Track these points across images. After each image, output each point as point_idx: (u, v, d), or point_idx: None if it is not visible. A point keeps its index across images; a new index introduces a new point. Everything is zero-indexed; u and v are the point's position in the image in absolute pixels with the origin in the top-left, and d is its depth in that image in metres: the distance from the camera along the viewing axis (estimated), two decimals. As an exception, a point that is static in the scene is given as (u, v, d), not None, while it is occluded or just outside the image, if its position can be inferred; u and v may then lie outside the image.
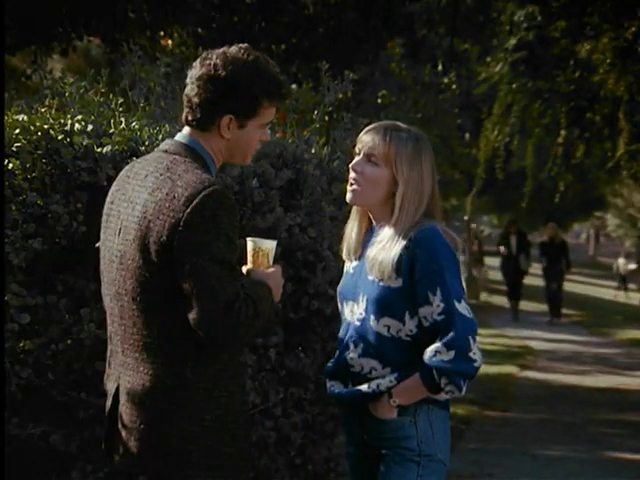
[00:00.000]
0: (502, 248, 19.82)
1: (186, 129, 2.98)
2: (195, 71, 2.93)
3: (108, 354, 3.00)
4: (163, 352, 2.82)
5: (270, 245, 3.04)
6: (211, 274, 2.73)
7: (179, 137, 2.97)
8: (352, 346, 3.19)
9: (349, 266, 3.33)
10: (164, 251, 2.76)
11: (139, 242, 2.80)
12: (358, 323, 3.18)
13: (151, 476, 2.86)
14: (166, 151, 2.94)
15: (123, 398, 2.88)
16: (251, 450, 3.02)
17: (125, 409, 2.87)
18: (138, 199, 2.85)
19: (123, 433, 2.87)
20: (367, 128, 3.26)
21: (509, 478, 6.95)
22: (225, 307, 2.74)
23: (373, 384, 3.13)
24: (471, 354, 3.04)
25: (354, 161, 3.24)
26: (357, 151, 3.25)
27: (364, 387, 3.15)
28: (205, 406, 2.83)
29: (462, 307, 3.06)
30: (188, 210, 2.75)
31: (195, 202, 2.75)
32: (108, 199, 3.00)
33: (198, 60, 2.95)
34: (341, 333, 3.27)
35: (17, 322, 3.97)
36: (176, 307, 2.79)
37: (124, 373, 2.88)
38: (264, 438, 4.55)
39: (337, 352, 3.28)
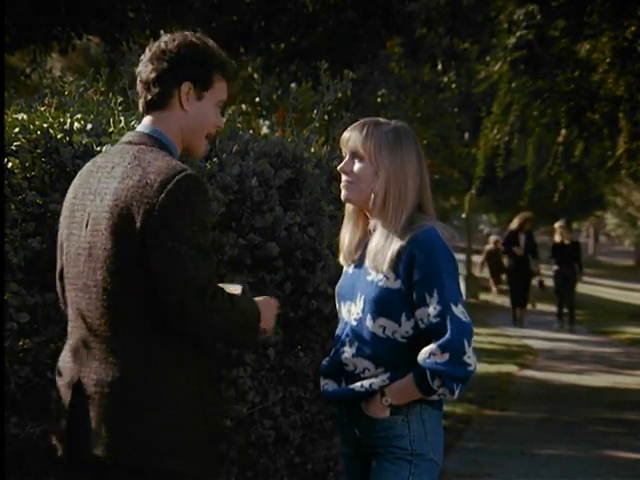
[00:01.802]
0: (516, 249, 18.06)
1: (145, 119, 3.01)
2: (145, 56, 3.00)
3: (66, 347, 2.99)
4: (133, 342, 2.82)
5: (235, 289, 3.00)
6: (185, 258, 2.74)
7: (140, 128, 3.01)
8: (347, 345, 3.19)
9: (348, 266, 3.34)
10: (137, 237, 2.77)
11: (111, 230, 2.80)
12: (355, 323, 3.18)
13: (119, 465, 2.83)
14: (130, 142, 2.96)
15: (90, 390, 2.85)
16: (218, 438, 3.02)
17: (92, 401, 2.85)
18: (107, 189, 2.85)
19: (93, 426, 2.84)
20: (347, 128, 3.27)
21: (508, 477, 6.96)
22: (198, 290, 2.75)
23: (366, 383, 3.14)
24: (465, 358, 3.03)
25: (342, 163, 3.24)
26: (343, 154, 3.26)
27: (357, 386, 3.16)
28: (176, 395, 2.83)
29: (458, 311, 3.06)
30: (162, 195, 2.76)
31: (169, 187, 2.77)
32: (70, 195, 3.01)
33: (146, 49, 3.02)
34: (338, 332, 3.28)
35: (16, 321, 3.97)
36: (147, 295, 2.79)
37: (88, 365, 2.87)
38: (263, 437, 4.55)
39: (333, 351, 3.29)
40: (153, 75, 2.95)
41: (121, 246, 2.80)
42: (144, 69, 2.98)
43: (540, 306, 21.86)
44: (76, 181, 3.03)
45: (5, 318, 3.93)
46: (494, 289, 25.18)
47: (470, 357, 3.04)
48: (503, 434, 8.50)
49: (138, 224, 2.77)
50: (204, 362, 2.93)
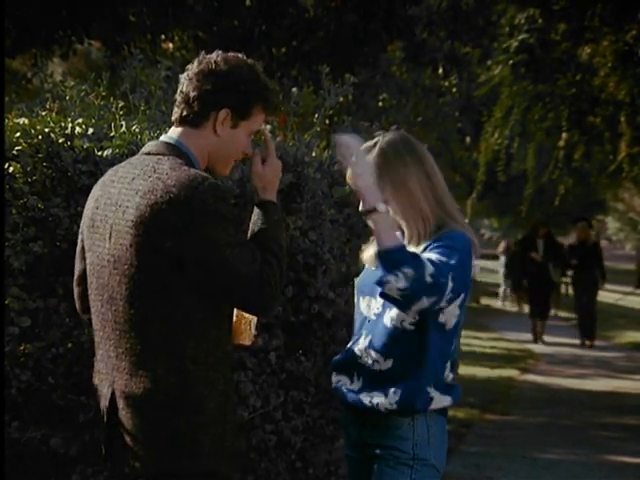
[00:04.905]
0: (535, 254, 16.57)
1: (173, 130, 2.98)
2: (193, 68, 2.95)
3: (97, 357, 2.99)
4: (163, 352, 2.81)
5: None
6: (233, 261, 2.77)
7: (163, 138, 2.98)
8: (362, 338, 3.20)
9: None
10: (167, 254, 2.76)
11: (136, 247, 2.79)
12: (374, 318, 3.19)
13: (161, 475, 2.84)
14: (149, 153, 2.94)
15: (121, 403, 2.86)
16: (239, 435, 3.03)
17: (125, 413, 2.85)
18: (128, 203, 2.83)
19: (128, 439, 2.85)
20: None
21: (509, 481, 6.96)
22: (257, 282, 2.80)
23: (374, 400, 3.13)
24: (425, 279, 2.93)
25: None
26: None
27: (365, 400, 3.15)
28: (207, 394, 2.84)
29: (453, 273, 3.00)
30: (191, 212, 2.75)
31: (195, 202, 2.76)
32: (91, 204, 2.98)
33: (195, 61, 2.98)
34: (356, 327, 3.28)
35: (17, 325, 3.98)
36: (174, 305, 2.79)
37: (120, 377, 2.86)
38: (264, 441, 4.55)
39: (349, 344, 3.28)
40: (195, 93, 2.91)
41: (149, 263, 2.79)
42: (187, 82, 2.94)
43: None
44: (96, 191, 2.99)
45: (6, 322, 3.93)
46: (520, 306, 23.52)
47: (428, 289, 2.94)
48: (504, 438, 8.49)
49: (169, 243, 2.76)
50: (228, 362, 2.94)
